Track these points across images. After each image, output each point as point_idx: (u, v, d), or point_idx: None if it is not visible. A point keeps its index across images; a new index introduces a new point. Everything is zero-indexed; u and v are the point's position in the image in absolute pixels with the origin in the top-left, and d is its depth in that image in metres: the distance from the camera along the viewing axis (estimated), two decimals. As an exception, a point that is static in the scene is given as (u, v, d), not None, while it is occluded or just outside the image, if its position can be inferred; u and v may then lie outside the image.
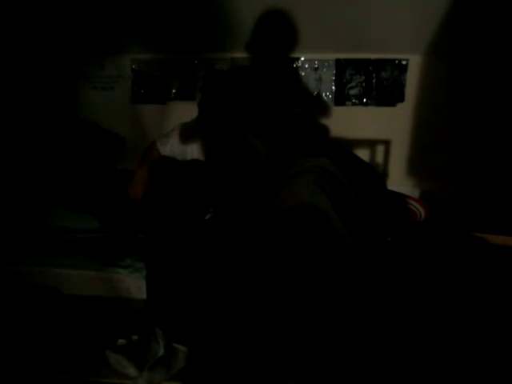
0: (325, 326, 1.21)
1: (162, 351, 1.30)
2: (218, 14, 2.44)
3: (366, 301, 1.30)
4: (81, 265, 1.69)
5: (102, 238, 1.92)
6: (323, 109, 2.76)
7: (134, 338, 1.32)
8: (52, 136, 2.64)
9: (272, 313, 1.26)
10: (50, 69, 2.85)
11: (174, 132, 1.79)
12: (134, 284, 1.63)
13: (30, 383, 1.29)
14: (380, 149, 2.78)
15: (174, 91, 2.85)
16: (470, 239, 2.01)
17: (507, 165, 2.63)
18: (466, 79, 2.61)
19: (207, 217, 1.70)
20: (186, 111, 1.99)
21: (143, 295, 1.52)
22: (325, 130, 2.76)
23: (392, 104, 2.73)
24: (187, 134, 1.74)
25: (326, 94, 2.76)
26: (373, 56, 2.67)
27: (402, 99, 2.71)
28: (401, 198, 2.17)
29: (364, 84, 2.73)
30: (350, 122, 2.75)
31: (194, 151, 1.73)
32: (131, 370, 1.20)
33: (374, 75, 2.71)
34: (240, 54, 2.71)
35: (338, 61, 2.71)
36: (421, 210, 2.13)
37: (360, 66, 2.70)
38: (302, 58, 2.72)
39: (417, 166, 2.78)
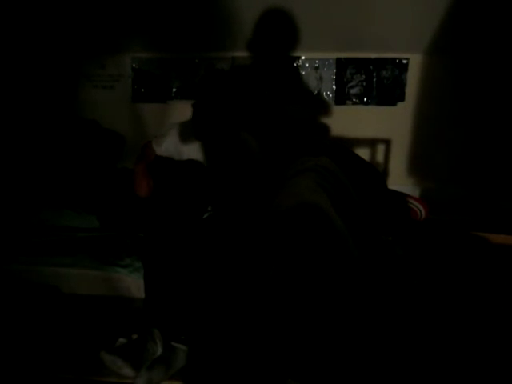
0: (325, 325, 1.21)
1: (160, 351, 1.30)
2: (218, 13, 2.43)
3: (367, 300, 1.30)
4: (81, 264, 1.69)
5: (102, 237, 1.92)
6: (324, 108, 2.76)
7: (134, 336, 1.32)
8: (52, 135, 2.64)
9: (272, 312, 1.26)
10: (50, 68, 2.85)
11: (169, 132, 1.79)
12: (134, 283, 1.63)
13: (30, 382, 1.29)
14: (380, 148, 2.77)
15: (174, 90, 2.85)
16: (470, 238, 2.01)
17: (508, 164, 2.63)
18: (466, 78, 2.61)
19: (205, 215, 1.70)
20: (186, 110, 1.98)
21: (143, 294, 1.51)
22: (325, 129, 2.75)
23: (393, 103, 2.72)
24: (182, 133, 1.73)
25: (326, 93, 2.75)
26: (373, 55, 2.67)
27: (402, 98, 2.71)
28: (401, 197, 2.17)
29: (364, 83, 2.72)
30: (350, 121, 2.74)
31: (189, 150, 1.73)
32: (127, 370, 1.20)
33: (374, 74, 2.70)
34: (241, 53, 2.71)
35: (338, 60, 2.71)
36: (421, 209, 2.13)
37: (360, 65, 2.70)
38: (303, 57, 2.72)
39: (417, 165, 2.78)
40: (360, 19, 2.39)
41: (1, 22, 2.52)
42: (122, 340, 1.31)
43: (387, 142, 2.76)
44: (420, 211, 2.13)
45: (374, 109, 2.74)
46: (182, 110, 1.64)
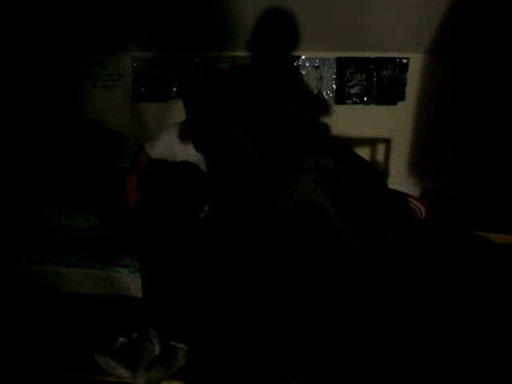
0: (325, 325, 1.21)
1: (157, 350, 1.30)
2: (219, 13, 2.43)
3: (367, 299, 1.30)
4: (81, 263, 1.70)
5: (103, 236, 1.92)
6: (324, 107, 2.76)
7: (135, 336, 1.33)
8: (53, 134, 2.64)
9: (272, 311, 1.26)
10: (50, 67, 2.85)
11: (163, 134, 1.79)
12: (134, 283, 1.63)
13: (30, 382, 1.29)
14: (381, 147, 2.78)
15: (174, 89, 2.85)
16: (470, 237, 2.01)
17: (508, 164, 2.63)
18: (466, 78, 2.61)
19: (202, 215, 1.70)
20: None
21: (143, 294, 1.52)
22: (325, 128, 2.76)
23: (393, 102, 2.72)
24: (176, 135, 1.74)
25: (326, 93, 2.75)
26: (373, 54, 2.67)
27: (402, 98, 2.71)
28: (401, 196, 2.17)
29: (365, 82, 2.72)
30: (350, 120, 2.74)
31: (183, 152, 1.73)
32: (122, 371, 1.20)
33: (374, 74, 2.70)
34: (241, 53, 2.71)
35: (338, 59, 2.71)
36: (421, 208, 2.13)
37: (361, 64, 2.70)
38: (303, 57, 2.72)
39: (417, 165, 2.78)
40: (360, 19, 2.39)
41: (1, 22, 2.52)
42: (122, 339, 1.31)
43: (387, 142, 2.77)
44: (420, 211, 2.14)
45: (374, 108, 2.75)
46: (182, 110, 1.64)
